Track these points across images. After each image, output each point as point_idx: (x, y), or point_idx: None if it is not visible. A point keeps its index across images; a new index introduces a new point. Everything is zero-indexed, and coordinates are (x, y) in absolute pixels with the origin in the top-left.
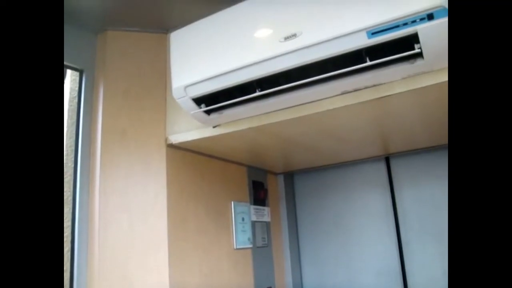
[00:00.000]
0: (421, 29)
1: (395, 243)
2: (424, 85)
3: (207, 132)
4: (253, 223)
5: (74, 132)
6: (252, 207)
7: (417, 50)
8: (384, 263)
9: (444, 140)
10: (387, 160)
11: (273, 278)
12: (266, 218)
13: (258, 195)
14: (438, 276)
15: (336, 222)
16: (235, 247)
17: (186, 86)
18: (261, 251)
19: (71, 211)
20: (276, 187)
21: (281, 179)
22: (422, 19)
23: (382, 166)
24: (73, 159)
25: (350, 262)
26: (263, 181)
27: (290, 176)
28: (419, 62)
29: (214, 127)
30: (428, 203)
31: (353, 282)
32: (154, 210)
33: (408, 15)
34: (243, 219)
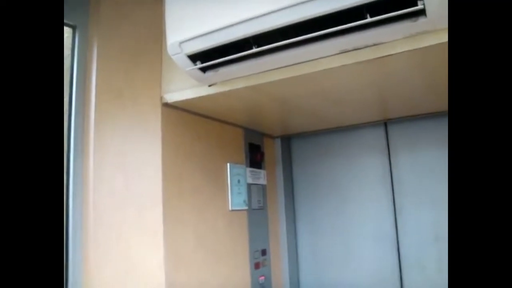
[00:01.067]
0: None
1: (391, 209)
2: (426, 44)
3: (203, 91)
4: (249, 186)
5: (67, 90)
6: (248, 169)
7: (420, 7)
8: (380, 228)
9: (445, 106)
10: (386, 125)
11: (267, 240)
12: (262, 181)
13: (255, 157)
14: (430, 240)
15: (333, 187)
16: (230, 208)
17: (181, 42)
18: (257, 213)
19: (65, 171)
20: (273, 151)
21: (278, 142)
22: None
23: (381, 132)
24: (66, 118)
25: (345, 226)
26: (260, 144)
27: (287, 140)
28: (421, 20)
29: (209, 85)
30: (424, 170)
31: (348, 246)
32: (149, 170)
33: None
34: (238, 181)
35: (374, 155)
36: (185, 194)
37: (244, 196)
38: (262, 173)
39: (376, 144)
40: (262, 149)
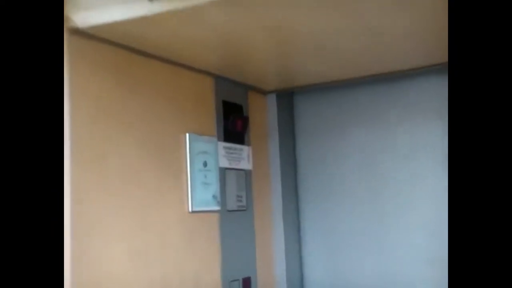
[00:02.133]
0: None
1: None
2: None
3: (141, 8)
4: (223, 171)
5: None
6: (222, 144)
7: None
8: (438, 244)
9: None
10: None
11: (253, 264)
12: (245, 165)
13: (233, 125)
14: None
15: (362, 172)
16: (190, 209)
17: None
18: (235, 217)
19: None
20: (263, 115)
21: (272, 101)
22: None
23: (440, 82)
24: None
25: (384, 239)
26: (242, 103)
27: (287, 97)
28: None
29: (151, 0)
30: None
31: (392, 273)
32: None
33: None
34: (205, 163)
35: (427, 120)
36: (111, 184)
37: (214, 189)
38: (245, 150)
39: (431, 101)
40: (246, 112)
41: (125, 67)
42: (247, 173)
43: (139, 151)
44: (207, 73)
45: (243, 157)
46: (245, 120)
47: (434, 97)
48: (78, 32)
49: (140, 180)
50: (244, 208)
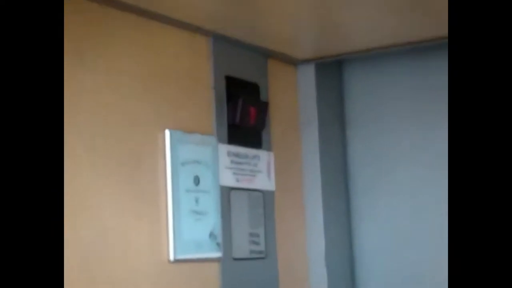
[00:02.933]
0: None
1: None
2: None
3: None
4: (227, 193)
5: None
6: (225, 148)
7: None
8: None
9: None
10: None
11: None
12: (264, 182)
13: (243, 117)
14: None
15: (435, 174)
16: (171, 257)
17: None
18: (247, 270)
19: None
20: (293, 98)
21: (308, 75)
22: None
23: None
24: None
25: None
26: (258, 79)
27: (332, 69)
28: None
29: None
30: None
31: None
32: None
33: None
34: (196, 180)
35: None
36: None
37: (211, 223)
38: (263, 158)
39: None
40: (264, 95)
41: (76, 20)
42: (267, 196)
43: (91, 155)
44: (201, 31)
45: (260, 169)
46: (263, 108)
47: None
48: None
49: (89, 208)
50: (263, 255)
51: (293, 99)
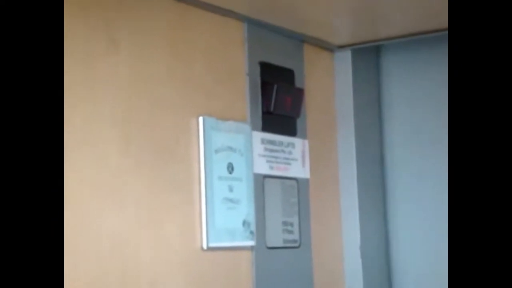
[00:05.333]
0: None
1: None
2: None
3: None
4: (260, 181)
5: None
6: (259, 136)
7: None
8: None
9: None
10: None
11: None
12: (299, 170)
13: (278, 104)
14: None
15: None
16: (204, 244)
17: None
18: (281, 259)
19: None
20: (330, 84)
21: (345, 61)
22: None
23: None
24: None
25: None
26: (294, 65)
27: (371, 55)
28: None
29: None
30: None
31: None
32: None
33: None
34: (230, 167)
35: None
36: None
37: (245, 211)
38: (297, 146)
39: None
40: (300, 82)
41: (113, 8)
42: (301, 184)
43: (118, 144)
44: (235, 15)
45: (294, 156)
46: (298, 95)
47: None
48: None
49: (121, 196)
50: (297, 245)
51: (329, 86)
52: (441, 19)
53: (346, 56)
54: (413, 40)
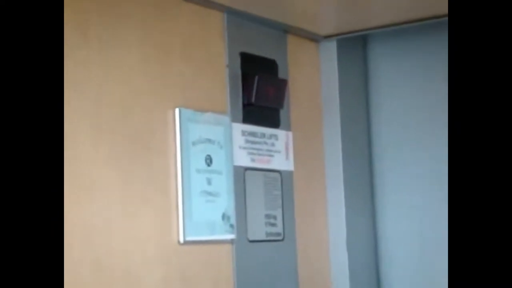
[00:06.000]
0: None
1: None
2: None
3: None
4: (241, 173)
5: None
6: (240, 127)
7: None
8: None
9: None
10: None
11: None
12: (282, 162)
13: (260, 95)
14: None
15: None
16: (181, 238)
17: None
18: (264, 253)
19: None
20: (315, 75)
21: (330, 51)
22: None
23: None
24: None
25: None
26: (276, 56)
27: (356, 45)
28: None
29: None
30: None
31: None
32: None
33: None
34: (208, 160)
35: None
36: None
37: (224, 204)
38: (281, 138)
39: None
40: (284, 72)
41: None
42: (284, 177)
43: (90, 135)
44: (214, 6)
45: (277, 148)
46: (281, 86)
47: None
48: None
49: (91, 188)
50: (280, 238)
51: (315, 76)
52: (430, 7)
53: (331, 47)
54: (401, 29)
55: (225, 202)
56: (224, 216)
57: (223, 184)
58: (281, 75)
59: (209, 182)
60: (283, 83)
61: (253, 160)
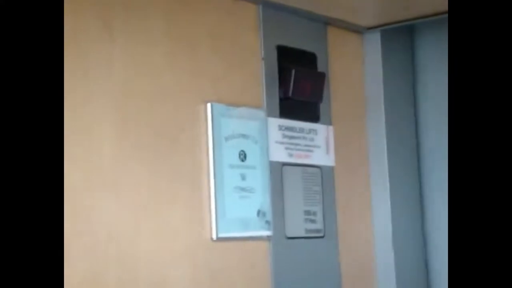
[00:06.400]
0: None
1: None
2: None
3: None
4: (278, 169)
5: None
6: (276, 122)
7: None
8: None
9: None
10: None
11: None
12: (322, 157)
13: (297, 89)
14: None
15: None
16: (214, 235)
17: None
18: (303, 251)
19: None
20: (358, 68)
21: (374, 43)
22: None
23: None
24: None
25: None
26: (316, 49)
27: (402, 37)
28: None
29: None
30: None
31: None
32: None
33: None
34: (242, 155)
35: None
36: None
37: (259, 200)
38: (321, 133)
39: None
40: (323, 65)
41: None
42: (325, 172)
43: (116, 132)
44: None
45: (317, 144)
46: (320, 80)
47: None
48: None
49: (117, 185)
50: (321, 234)
51: (358, 69)
52: None
53: (375, 38)
54: None
55: (261, 198)
56: (260, 212)
57: (258, 179)
58: (321, 68)
59: (243, 177)
60: (321, 76)
61: (290, 155)
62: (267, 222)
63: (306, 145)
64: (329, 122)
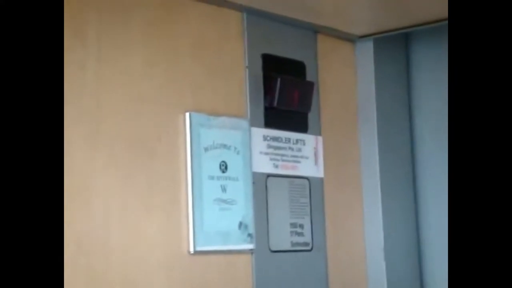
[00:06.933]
0: None
1: None
2: None
3: None
4: (263, 180)
5: None
6: (261, 132)
7: None
8: None
9: None
10: None
11: None
12: (310, 169)
13: (284, 99)
14: None
15: None
16: (191, 248)
17: None
18: (289, 265)
19: None
20: (350, 78)
21: (366, 52)
22: None
23: None
24: None
25: None
26: (304, 57)
27: (396, 45)
28: None
29: None
30: None
31: None
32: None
33: None
34: (223, 166)
35: None
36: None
37: (241, 212)
38: (309, 143)
39: None
40: (312, 74)
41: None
42: (313, 184)
43: (92, 141)
44: (231, 5)
45: (305, 154)
46: (308, 89)
47: None
48: None
49: (87, 196)
50: (308, 248)
51: (349, 79)
52: None
53: (368, 47)
54: (445, 26)
55: (243, 210)
56: (241, 225)
57: (240, 191)
58: (310, 77)
59: (223, 189)
60: (310, 85)
61: (276, 166)
62: (249, 235)
63: (293, 156)
64: (318, 132)
